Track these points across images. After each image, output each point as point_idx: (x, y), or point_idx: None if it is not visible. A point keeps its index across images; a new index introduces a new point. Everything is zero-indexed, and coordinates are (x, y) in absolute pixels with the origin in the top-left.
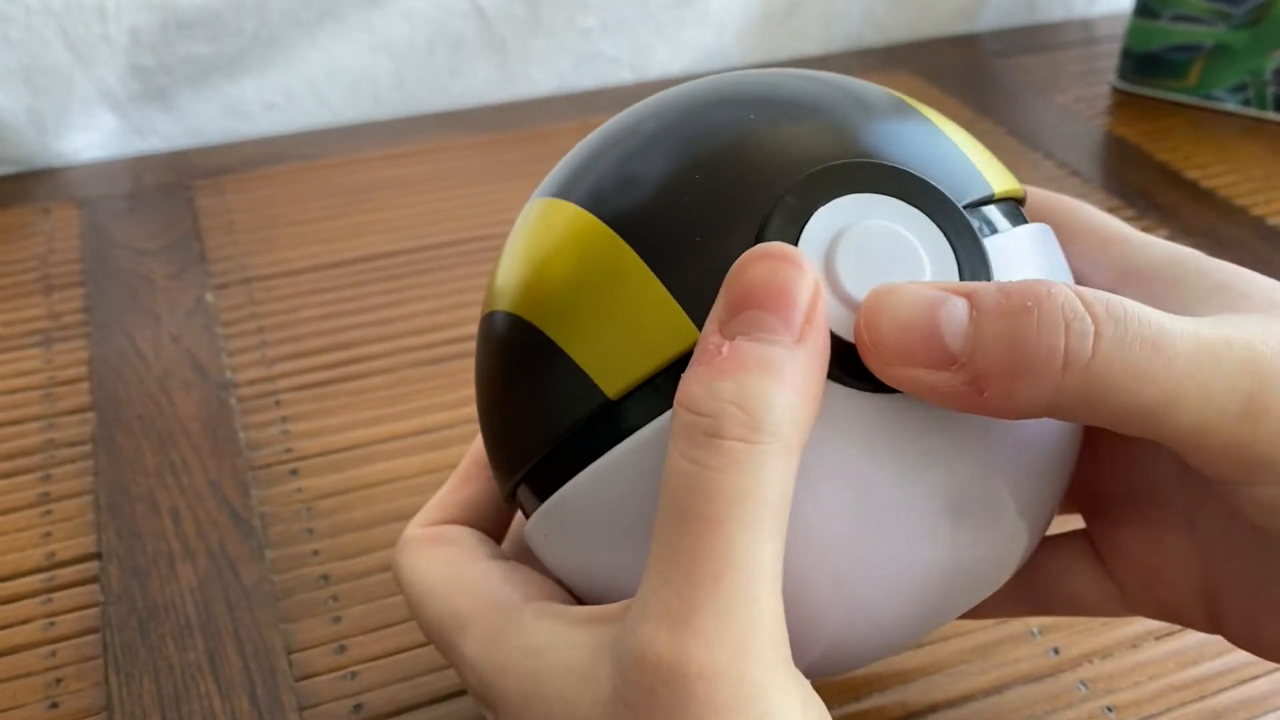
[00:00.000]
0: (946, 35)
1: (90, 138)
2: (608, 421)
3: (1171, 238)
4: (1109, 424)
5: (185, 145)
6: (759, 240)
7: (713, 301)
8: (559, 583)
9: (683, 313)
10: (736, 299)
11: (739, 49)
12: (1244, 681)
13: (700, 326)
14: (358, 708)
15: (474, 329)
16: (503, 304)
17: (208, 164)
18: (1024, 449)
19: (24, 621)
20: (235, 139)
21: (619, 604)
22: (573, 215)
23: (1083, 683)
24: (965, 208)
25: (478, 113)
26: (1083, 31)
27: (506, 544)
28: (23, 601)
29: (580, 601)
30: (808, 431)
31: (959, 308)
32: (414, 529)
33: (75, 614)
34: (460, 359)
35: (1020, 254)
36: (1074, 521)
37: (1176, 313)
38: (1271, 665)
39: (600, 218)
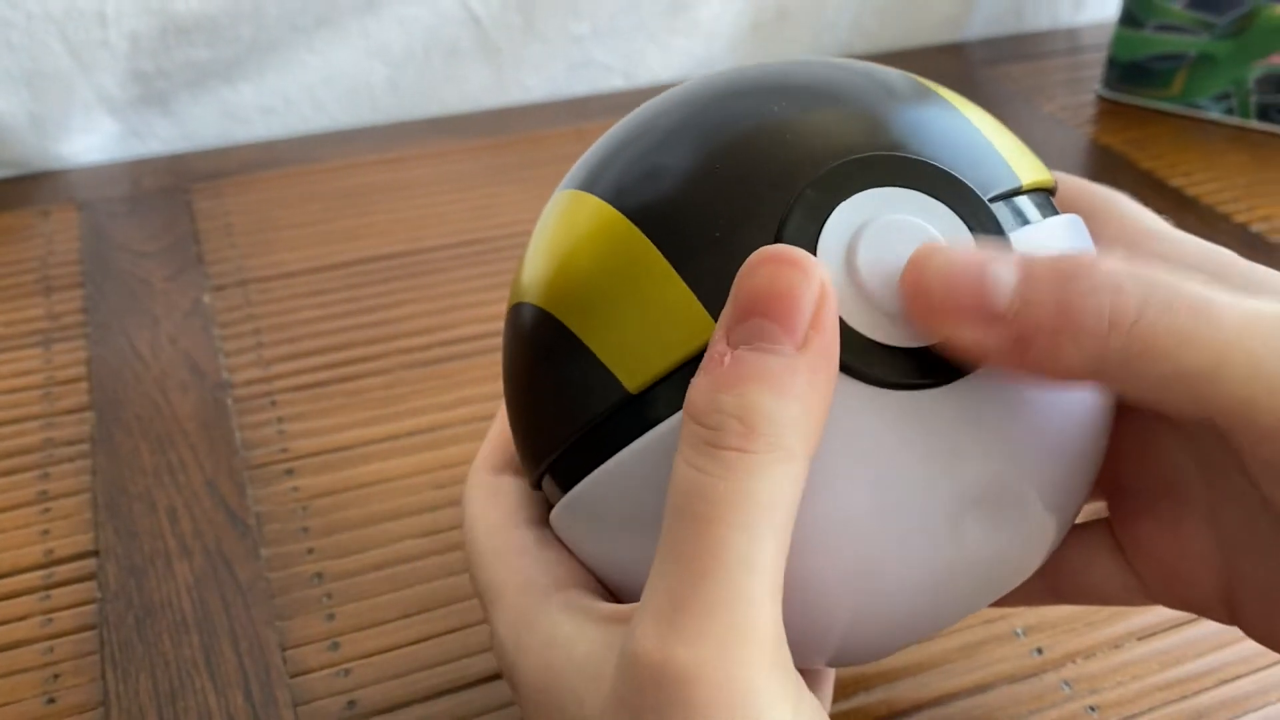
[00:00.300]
0: (934, 44)
1: (90, 141)
2: (629, 415)
3: None
4: (1153, 394)
5: (184, 149)
6: (779, 235)
7: None
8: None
9: (702, 308)
10: (741, 306)
11: (730, 57)
12: (1226, 681)
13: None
14: (351, 704)
15: (468, 330)
16: (527, 296)
17: (206, 168)
18: (1049, 444)
19: (22, 618)
20: (233, 143)
21: (637, 603)
22: (596, 208)
23: (1066, 682)
24: (992, 200)
25: (472, 118)
26: (1068, 40)
27: None
28: (21, 598)
29: (605, 587)
30: (815, 436)
31: (1008, 267)
32: (481, 471)
33: (73, 610)
34: (455, 360)
35: (1049, 246)
36: (1095, 511)
37: None
38: (1253, 665)
39: (622, 211)
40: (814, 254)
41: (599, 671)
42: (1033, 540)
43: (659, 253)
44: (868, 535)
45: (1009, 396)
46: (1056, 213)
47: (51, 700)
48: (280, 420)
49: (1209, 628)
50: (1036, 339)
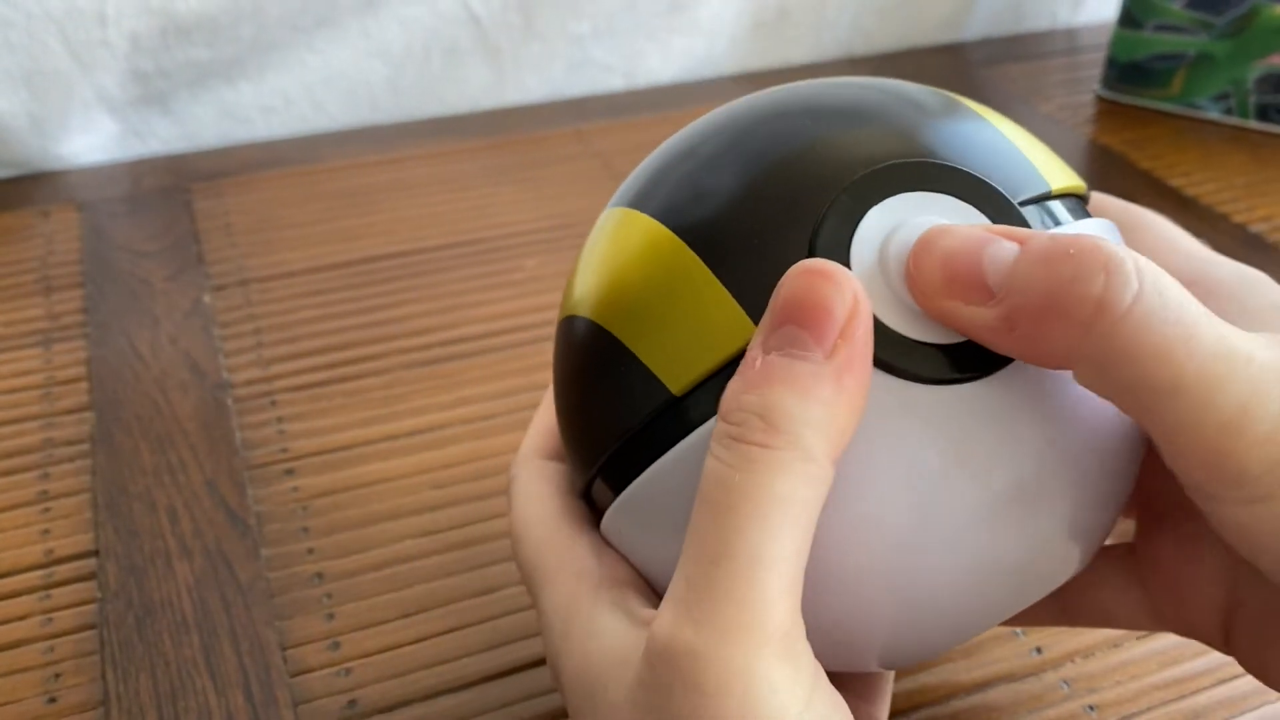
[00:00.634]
0: (933, 44)
1: (90, 141)
2: (674, 417)
3: None
4: (1117, 396)
5: (184, 149)
6: (814, 239)
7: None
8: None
9: (742, 312)
10: (777, 314)
11: (730, 57)
12: (1224, 681)
13: (758, 324)
14: (351, 703)
15: (468, 330)
16: (579, 309)
17: (206, 167)
18: (1086, 440)
19: (22, 617)
20: (233, 143)
21: None
22: (643, 225)
23: (1065, 682)
24: (1023, 204)
25: (472, 118)
26: (1067, 41)
27: None
28: (21, 597)
29: (655, 592)
30: (839, 441)
31: (1007, 248)
32: (531, 457)
33: (73, 610)
34: (456, 360)
35: None
36: (1118, 533)
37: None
38: None
39: (669, 226)
40: (848, 256)
41: (627, 659)
42: (1070, 539)
43: (701, 261)
44: (907, 531)
45: (1046, 391)
46: (1088, 216)
47: (52, 700)
48: (280, 420)
49: None
50: (1021, 319)
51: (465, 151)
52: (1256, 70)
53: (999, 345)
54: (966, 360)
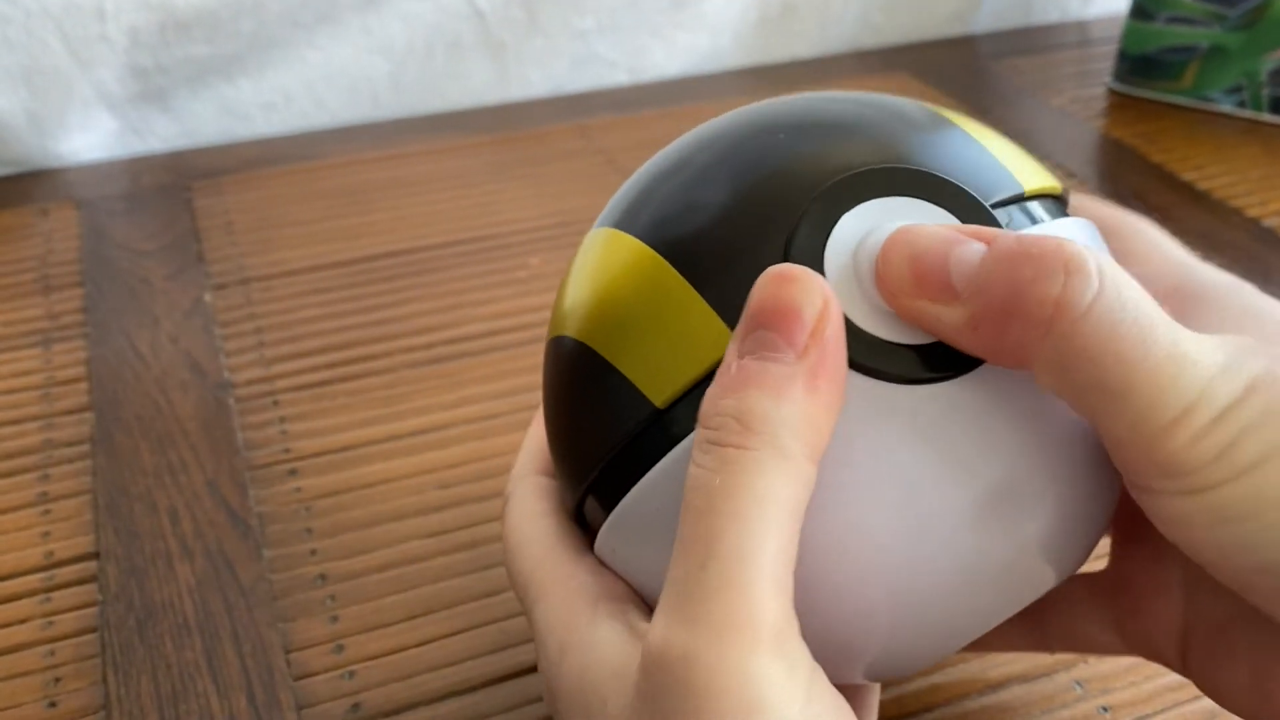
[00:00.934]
0: (942, 37)
1: (89, 139)
2: (659, 430)
3: None
4: (1073, 398)
5: (183, 146)
6: (789, 247)
7: None
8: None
9: (721, 323)
10: (750, 320)
11: (735, 52)
12: None
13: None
14: (355, 707)
15: (471, 329)
16: (565, 329)
17: (206, 165)
18: (1070, 440)
19: (22, 620)
20: (233, 140)
21: None
22: (626, 244)
23: (1078, 682)
24: (997, 205)
25: (474, 114)
26: (1078, 33)
27: None
28: (21, 600)
29: (652, 606)
30: (815, 440)
31: (973, 249)
32: (525, 475)
33: (74, 613)
34: (458, 359)
35: None
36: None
37: (1205, 330)
38: None
39: (649, 244)
40: (822, 262)
41: (624, 671)
42: (1057, 538)
43: (683, 278)
44: (890, 530)
45: (1023, 388)
46: (1066, 216)
47: (53, 704)
48: (282, 420)
49: None
50: (984, 320)
51: (468, 148)
52: (1270, 62)
53: (965, 345)
54: (941, 360)
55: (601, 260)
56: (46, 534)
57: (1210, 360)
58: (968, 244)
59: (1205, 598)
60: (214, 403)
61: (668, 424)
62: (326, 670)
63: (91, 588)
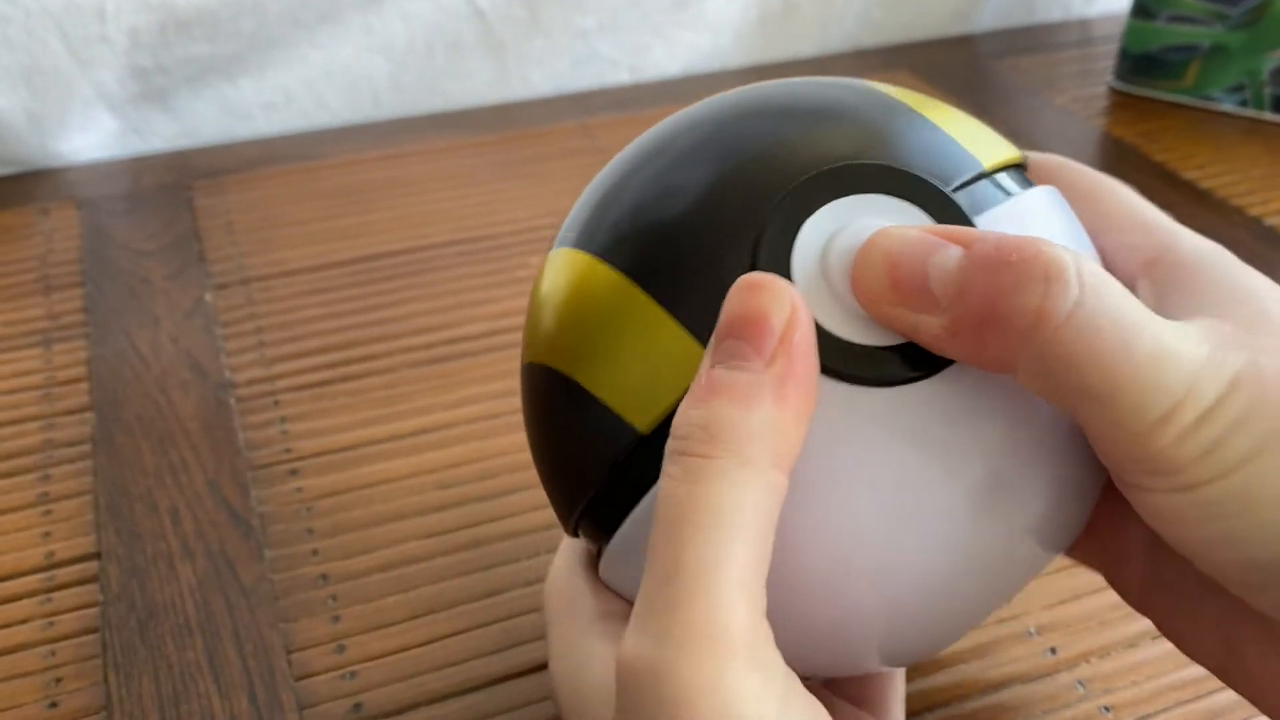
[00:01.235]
0: (943, 36)
1: (89, 138)
2: (646, 456)
3: None
4: (1057, 400)
5: (184, 146)
6: (755, 256)
7: None
8: None
9: (694, 342)
10: (720, 331)
11: (736, 50)
12: None
13: None
14: (357, 707)
15: (473, 329)
16: (536, 356)
17: (206, 164)
18: (1050, 429)
19: (23, 621)
20: (234, 140)
21: None
22: (587, 266)
23: (1080, 682)
24: (957, 189)
25: (475, 113)
26: (1080, 32)
27: None
28: (22, 601)
29: None
30: (785, 448)
31: (951, 254)
32: None
33: (74, 613)
34: (459, 359)
35: (1020, 223)
36: None
37: (1186, 310)
38: None
39: (612, 265)
40: (789, 269)
41: (612, 690)
42: (1051, 521)
43: (649, 297)
44: (882, 532)
45: (998, 382)
46: (1029, 187)
47: (53, 705)
48: (283, 420)
49: None
50: (964, 328)
51: (469, 147)
52: (1272, 61)
53: (944, 350)
54: (914, 360)
55: (567, 284)
56: (47, 534)
57: (1193, 355)
58: (945, 249)
59: (1169, 562)
60: (215, 403)
61: (653, 449)
62: (328, 670)
63: (92, 588)
